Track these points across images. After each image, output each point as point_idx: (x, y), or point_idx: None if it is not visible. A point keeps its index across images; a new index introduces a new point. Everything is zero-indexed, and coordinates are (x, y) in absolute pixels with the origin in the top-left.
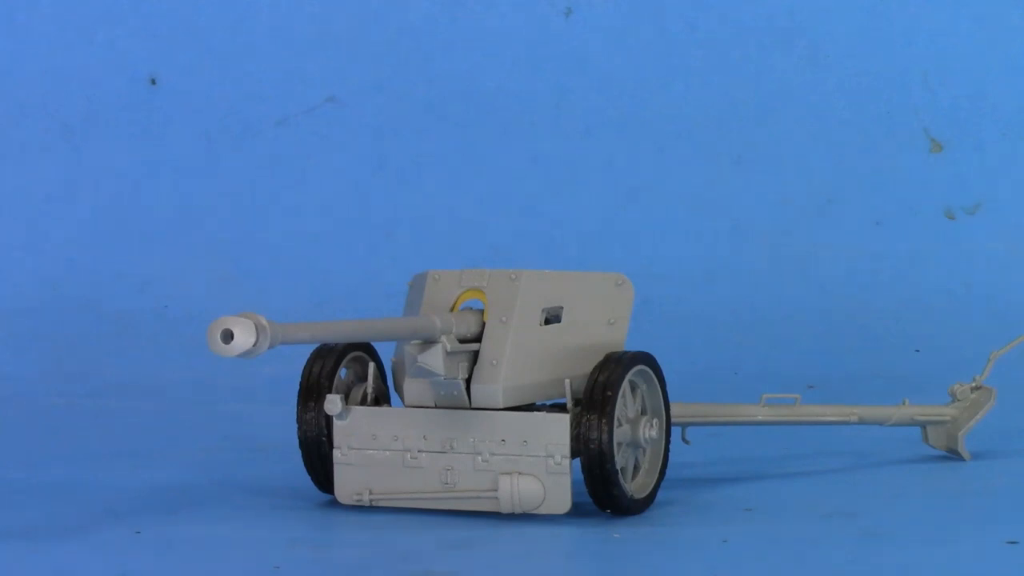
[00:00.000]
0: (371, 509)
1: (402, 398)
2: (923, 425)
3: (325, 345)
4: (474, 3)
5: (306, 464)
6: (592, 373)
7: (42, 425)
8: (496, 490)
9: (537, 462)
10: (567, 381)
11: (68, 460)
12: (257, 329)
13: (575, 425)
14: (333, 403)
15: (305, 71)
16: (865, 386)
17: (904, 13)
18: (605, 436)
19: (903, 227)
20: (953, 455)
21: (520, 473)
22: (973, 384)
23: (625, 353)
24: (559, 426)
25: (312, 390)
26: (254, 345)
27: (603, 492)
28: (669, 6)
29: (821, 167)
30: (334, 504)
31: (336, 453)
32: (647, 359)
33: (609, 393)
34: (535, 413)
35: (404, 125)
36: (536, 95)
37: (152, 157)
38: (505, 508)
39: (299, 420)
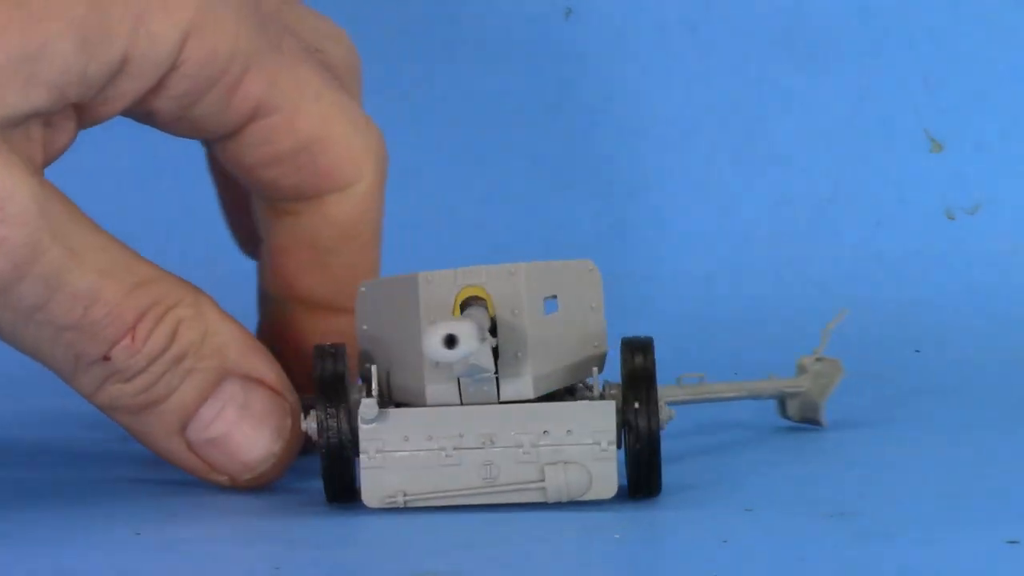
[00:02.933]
0: (371, 509)
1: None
2: (783, 398)
3: (320, 344)
4: (474, 3)
5: (331, 474)
6: (626, 357)
7: (42, 425)
8: (543, 480)
9: (584, 450)
10: (595, 368)
11: (68, 460)
12: (478, 333)
13: (620, 411)
14: (370, 408)
15: None
16: (865, 386)
17: (904, 13)
18: (653, 421)
19: (903, 227)
20: (811, 423)
21: (566, 462)
22: (815, 356)
23: (642, 337)
24: (607, 413)
25: (331, 393)
26: (474, 350)
27: (647, 476)
28: (669, 6)
29: (821, 167)
30: (334, 504)
31: (363, 458)
32: (652, 342)
33: (650, 377)
34: (579, 402)
35: (404, 125)
36: (536, 95)
37: (152, 157)
38: (552, 498)
39: (321, 428)
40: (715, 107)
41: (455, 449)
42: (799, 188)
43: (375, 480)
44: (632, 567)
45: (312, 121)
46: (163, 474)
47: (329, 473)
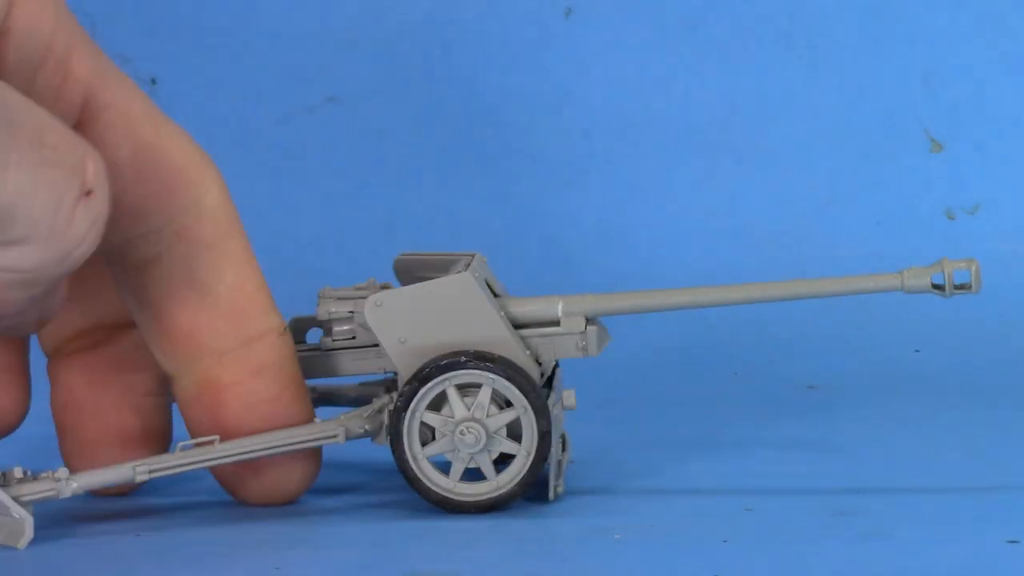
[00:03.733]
0: (369, 509)
1: None
2: None
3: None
4: (474, 3)
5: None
6: None
7: (41, 425)
8: None
9: None
10: None
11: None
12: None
13: None
14: (572, 397)
15: (305, 71)
16: (865, 386)
17: (904, 13)
18: None
19: (903, 227)
20: None
21: None
22: None
23: None
24: None
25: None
26: None
27: None
28: (669, 6)
29: (821, 167)
30: (333, 504)
31: (555, 451)
32: None
33: None
34: None
35: (404, 125)
36: (536, 95)
37: None
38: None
39: (544, 420)
40: (715, 107)
41: None
42: (799, 188)
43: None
44: (632, 567)
45: (146, 124)
46: (163, 473)
47: (539, 471)
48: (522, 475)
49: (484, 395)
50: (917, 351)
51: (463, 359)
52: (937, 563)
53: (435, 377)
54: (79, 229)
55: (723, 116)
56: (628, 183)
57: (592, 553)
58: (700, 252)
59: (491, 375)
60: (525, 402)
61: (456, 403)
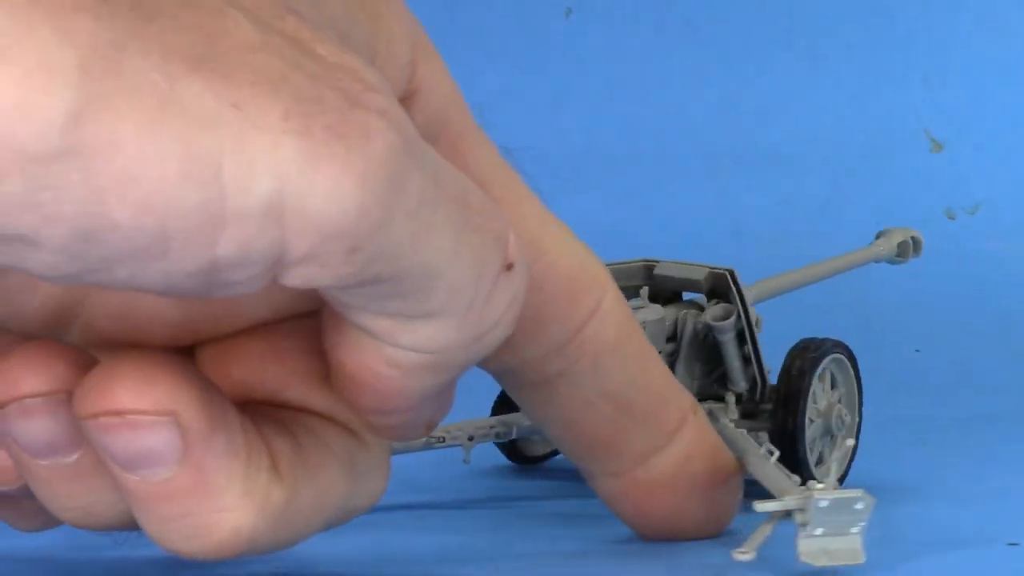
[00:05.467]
0: (371, 510)
1: None
2: None
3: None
4: (474, 3)
5: None
6: None
7: None
8: None
9: None
10: None
11: None
12: None
13: None
14: None
15: None
16: (865, 386)
17: (904, 13)
18: None
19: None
20: None
21: None
22: None
23: None
24: None
25: None
26: None
27: None
28: (669, 6)
29: (821, 167)
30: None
31: None
32: None
33: None
34: None
35: None
36: (536, 95)
37: None
38: None
39: (862, 401)
40: (715, 107)
41: None
42: (799, 188)
43: None
44: (632, 568)
45: (535, 223)
46: None
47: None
48: (849, 457)
49: (827, 380)
50: (917, 351)
51: (831, 345)
52: (937, 563)
53: (816, 367)
54: (498, 307)
55: (723, 116)
56: (628, 183)
57: (592, 555)
58: (700, 252)
59: (843, 358)
60: (855, 384)
61: (818, 388)
